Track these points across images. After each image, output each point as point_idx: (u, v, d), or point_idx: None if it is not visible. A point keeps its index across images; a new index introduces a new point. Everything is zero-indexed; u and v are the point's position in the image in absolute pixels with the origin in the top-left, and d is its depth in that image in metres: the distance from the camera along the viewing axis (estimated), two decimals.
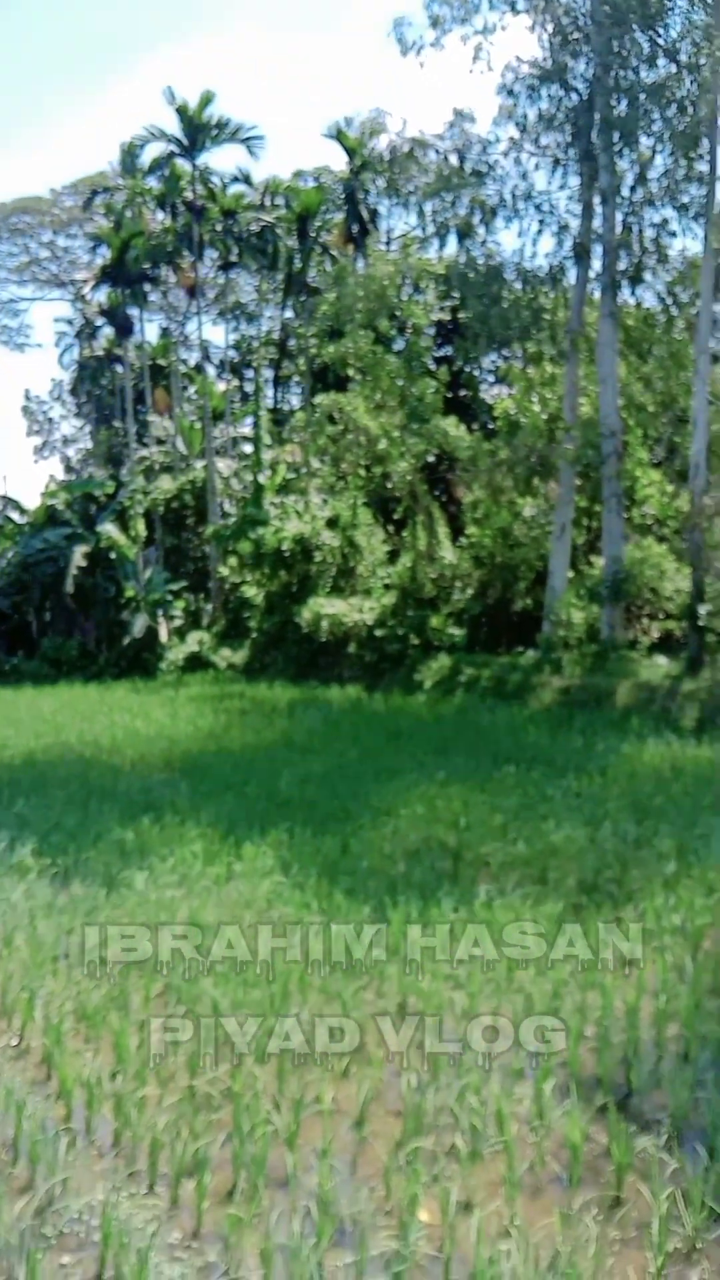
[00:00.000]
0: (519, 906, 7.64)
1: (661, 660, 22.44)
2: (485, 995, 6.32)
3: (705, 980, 6.53)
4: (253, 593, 32.06)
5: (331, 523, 30.93)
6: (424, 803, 11.33)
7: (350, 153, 37.18)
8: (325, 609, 28.53)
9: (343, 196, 39.47)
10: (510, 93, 24.80)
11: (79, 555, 34.79)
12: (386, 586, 29.62)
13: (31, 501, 40.18)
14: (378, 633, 27.16)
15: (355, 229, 37.24)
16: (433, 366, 31.98)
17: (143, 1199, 4.66)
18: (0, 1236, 4.37)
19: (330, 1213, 4.40)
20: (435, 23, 24.38)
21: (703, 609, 21.41)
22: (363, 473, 31.73)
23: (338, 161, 46.99)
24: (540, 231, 25.62)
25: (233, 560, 34.11)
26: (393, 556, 31.43)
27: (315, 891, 8.22)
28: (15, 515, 38.85)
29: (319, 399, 34.17)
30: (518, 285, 25.90)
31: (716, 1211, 4.39)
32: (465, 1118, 5.01)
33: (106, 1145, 5.13)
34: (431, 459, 31.29)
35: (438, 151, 26.07)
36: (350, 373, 32.54)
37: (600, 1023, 5.83)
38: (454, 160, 26.01)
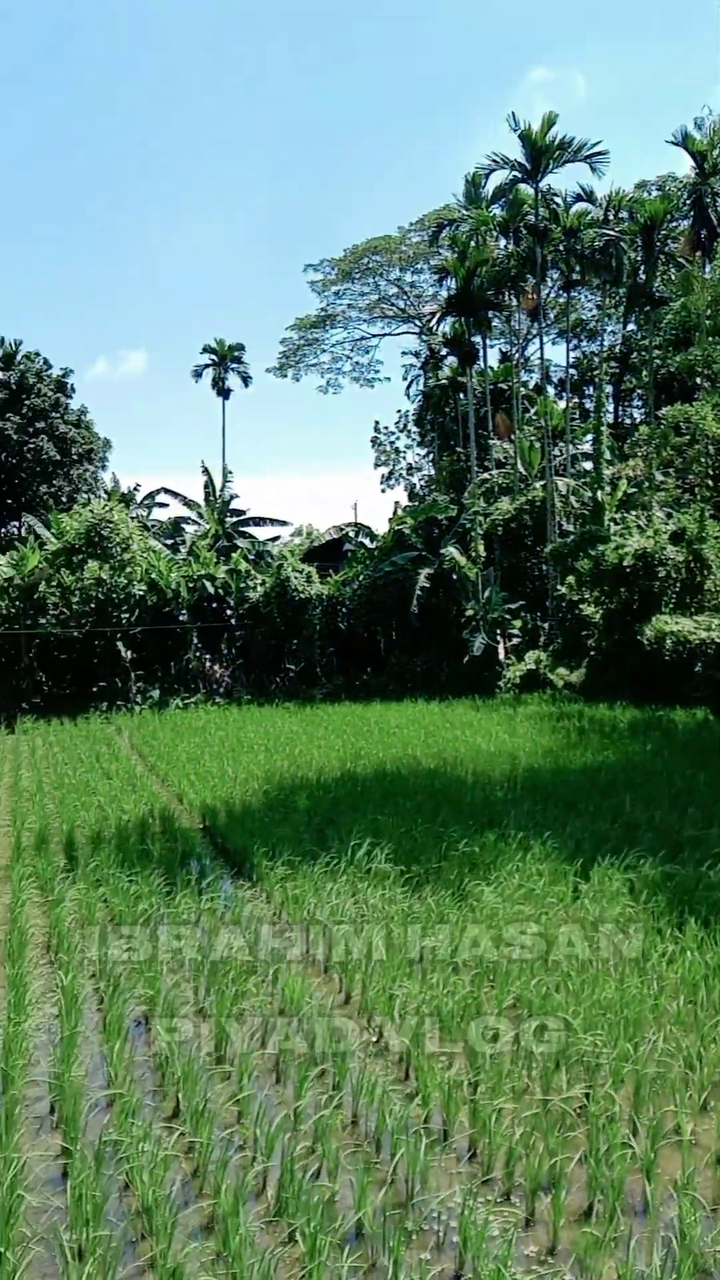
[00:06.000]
0: None
1: None
2: None
3: None
4: (591, 611, 31.54)
5: (676, 537, 29.82)
6: None
7: (698, 157, 35.89)
8: (670, 626, 27.53)
9: (689, 203, 38.16)
10: None
11: (423, 577, 35.94)
12: None
13: (380, 527, 42.23)
14: None
15: (703, 234, 35.82)
16: None
17: (499, 1206, 4.75)
18: (367, 1224, 4.63)
19: (691, 1247, 4.26)
20: None
21: None
22: (711, 484, 30.41)
23: (682, 167, 45.64)
24: None
25: (571, 579, 33.77)
26: None
27: (667, 918, 7.97)
28: (366, 541, 40.84)
29: (664, 411, 33.18)
30: None
31: None
32: None
33: (463, 1149, 5.26)
34: None
35: None
36: (698, 381, 31.40)
37: None
38: None
